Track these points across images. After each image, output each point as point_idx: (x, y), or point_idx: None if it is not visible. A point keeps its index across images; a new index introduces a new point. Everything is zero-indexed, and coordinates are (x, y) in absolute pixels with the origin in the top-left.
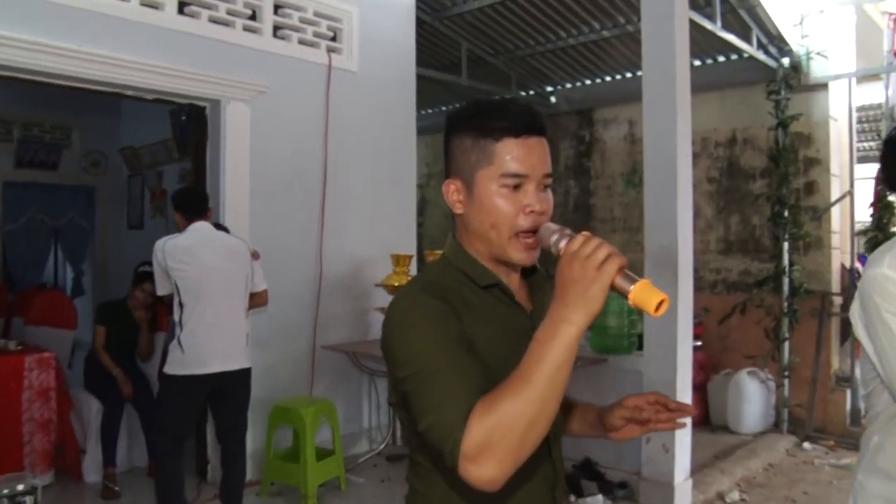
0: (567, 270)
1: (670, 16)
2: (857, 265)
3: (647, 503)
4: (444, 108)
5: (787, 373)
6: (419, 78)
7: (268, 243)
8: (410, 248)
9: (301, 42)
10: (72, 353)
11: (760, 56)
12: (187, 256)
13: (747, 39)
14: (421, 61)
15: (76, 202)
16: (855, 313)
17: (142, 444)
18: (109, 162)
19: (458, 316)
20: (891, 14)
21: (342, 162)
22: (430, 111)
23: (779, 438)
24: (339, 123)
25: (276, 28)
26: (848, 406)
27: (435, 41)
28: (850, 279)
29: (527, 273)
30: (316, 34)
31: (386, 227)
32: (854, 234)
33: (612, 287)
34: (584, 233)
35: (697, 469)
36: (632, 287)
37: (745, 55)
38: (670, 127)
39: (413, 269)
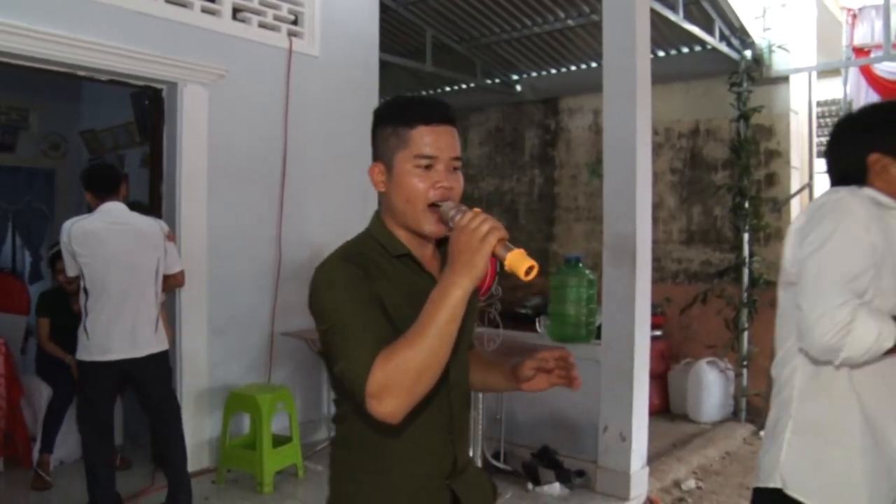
0: (455, 241)
1: (631, 5)
2: None
3: (604, 491)
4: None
5: (745, 363)
6: (383, 64)
7: (226, 229)
8: None
9: (261, 25)
10: (25, 338)
11: (723, 48)
12: (93, 242)
13: (710, 31)
14: (385, 47)
15: (34, 186)
16: (789, 258)
17: None
18: (69, 145)
19: (370, 280)
20: (849, 9)
21: (302, 148)
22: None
23: (736, 427)
24: (299, 109)
25: (236, 10)
26: None
27: (399, 27)
28: None
29: (441, 246)
30: (277, 17)
31: (346, 214)
32: None
33: (493, 255)
34: (475, 209)
35: (655, 457)
36: (507, 254)
37: (708, 47)
38: (630, 116)
39: None
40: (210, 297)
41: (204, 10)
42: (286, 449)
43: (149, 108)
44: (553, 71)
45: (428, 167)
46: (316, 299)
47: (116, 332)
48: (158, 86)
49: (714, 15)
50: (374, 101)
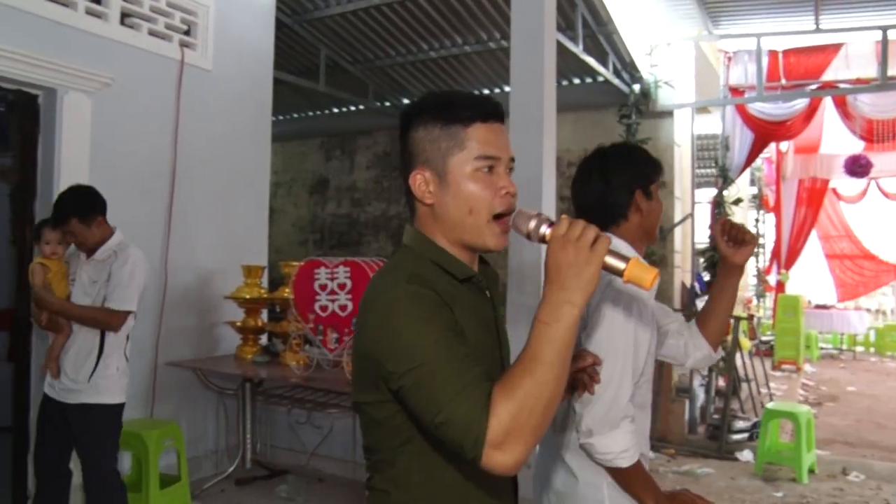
0: (561, 254)
1: (539, 34)
2: (695, 284)
3: None
4: (296, 115)
5: None
6: (275, 82)
7: None
8: (262, 258)
9: (152, 33)
10: None
11: (615, 81)
12: None
13: (604, 64)
14: (278, 65)
15: None
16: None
17: None
18: None
19: (449, 306)
20: (726, 52)
21: (192, 165)
22: (282, 117)
23: None
24: (190, 124)
25: (125, 15)
26: (686, 416)
27: (294, 45)
28: (690, 296)
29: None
30: (168, 26)
31: (237, 237)
32: (694, 254)
33: (604, 266)
34: (565, 216)
35: None
36: (625, 265)
37: (601, 79)
38: (537, 144)
39: (265, 282)
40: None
41: (89, 13)
42: (174, 490)
43: (12, 115)
44: None
45: (490, 169)
46: (386, 333)
47: None
48: (33, 91)
49: (608, 49)
50: (267, 119)
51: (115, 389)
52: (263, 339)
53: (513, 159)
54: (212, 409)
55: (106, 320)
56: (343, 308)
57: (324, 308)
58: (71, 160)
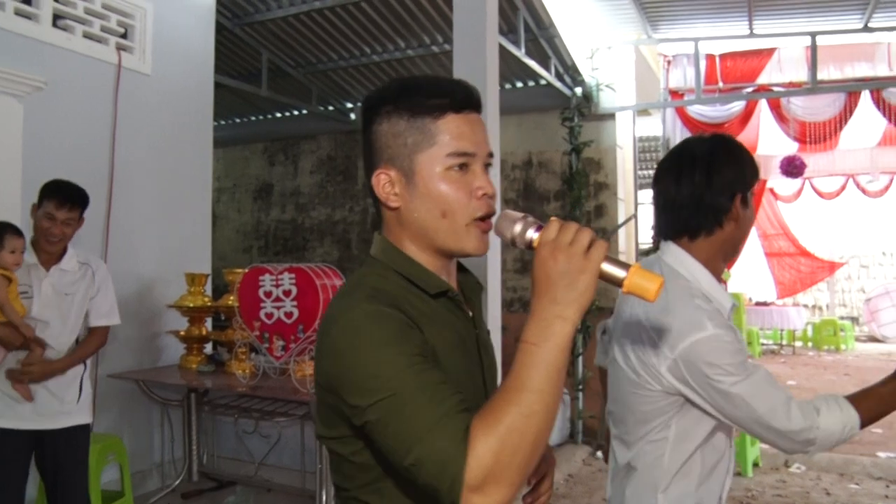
0: (551, 262)
1: (482, 38)
2: None
3: None
4: (238, 120)
5: (580, 386)
6: (216, 86)
7: None
8: (205, 266)
9: (87, 36)
10: None
11: (557, 84)
12: None
13: (546, 67)
14: (219, 69)
15: None
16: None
17: None
18: None
19: (418, 326)
20: (665, 56)
21: (132, 171)
22: (224, 122)
23: (575, 449)
24: (128, 130)
25: (57, 17)
26: None
27: (234, 48)
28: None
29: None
30: (104, 29)
31: (179, 244)
32: (638, 255)
33: (601, 275)
34: (554, 217)
35: None
36: (625, 273)
37: (543, 82)
38: None
39: (208, 290)
40: None
41: (18, 13)
42: None
43: None
44: None
45: (463, 167)
46: (345, 362)
47: None
48: None
49: (550, 52)
50: (208, 124)
51: (90, 407)
52: (208, 348)
53: (491, 154)
54: (156, 420)
55: (103, 342)
56: (289, 315)
57: (269, 315)
58: (2, 166)
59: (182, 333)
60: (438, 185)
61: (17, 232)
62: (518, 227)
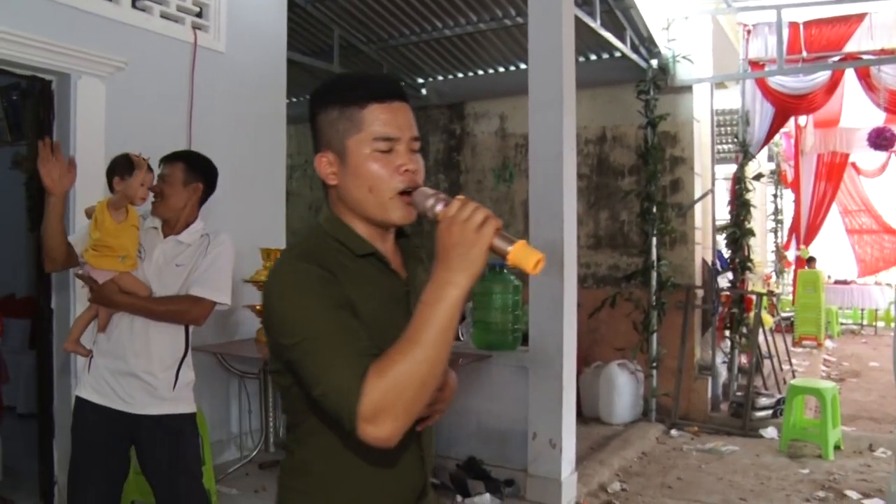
0: (447, 234)
1: (557, 10)
2: (716, 261)
3: (534, 499)
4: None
5: (655, 364)
6: (289, 63)
7: None
8: (280, 241)
9: (164, 16)
10: None
11: (632, 56)
12: None
13: (621, 39)
14: (291, 46)
15: None
16: None
17: None
18: None
19: (339, 282)
20: (745, 25)
21: (208, 149)
22: (296, 99)
23: (648, 427)
24: (204, 107)
25: None
26: (709, 393)
27: (306, 25)
28: (711, 274)
29: (397, 238)
30: (180, 8)
31: (254, 220)
32: (714, 231)
33: (491, 248)
34: (460, 196)
35: (578, 462)
36: (510, 248)
37: (618, 54)
38: (556, 123)
39: None
40: None
41: None
42: None
43: (26, 102)
44: (459, 75)
45: (388, 150)
46: (275, 308)
47: None
48: (47, 76)
49: (625, 23)
50: (282, 102)
51: (190, 398)
52: None
53: (416, 139)
54: (234, 393)
55: (188, 311)
56: None
57: None
58: (86, 146)
59: (258, 307)
60: (366, 164)
61: (150, 168)
62: (430, 202)
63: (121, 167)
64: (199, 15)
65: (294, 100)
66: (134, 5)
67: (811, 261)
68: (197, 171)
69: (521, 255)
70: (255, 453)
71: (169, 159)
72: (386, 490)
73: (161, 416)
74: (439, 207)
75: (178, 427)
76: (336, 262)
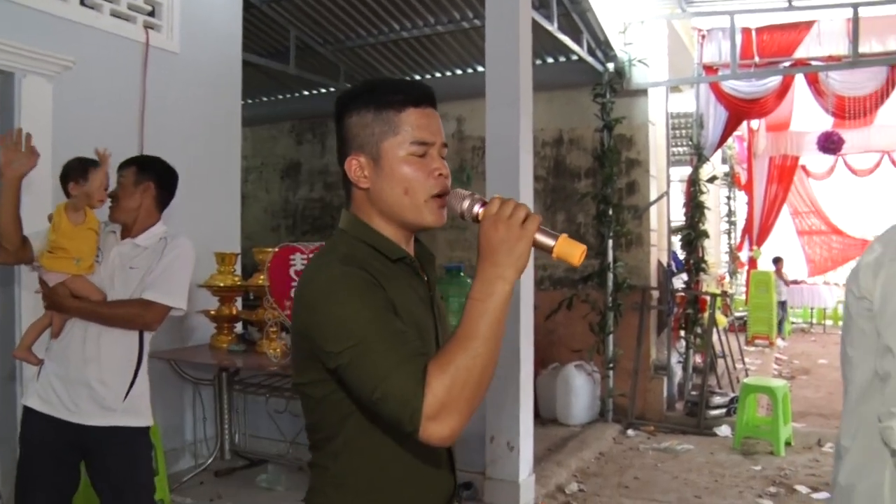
0: (493, 231)
1: (515, 12)
2: (671, 262)
3: (493, 501)
4: (266, 99)
5: (611, 364)
6: (244, 64)
7: None
8: (235, 245)
9: (114, 14)
10: None
11: (589, 59)
12: None
13: (578, 42)
14: (246, 47)
15: None
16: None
17: None
18: None
19: (381, 285)
20: (699, 30)
21: (160, 151)
22: (252, 101)
23: (605, 428)
24: (157, 109)
25: None
26: (664, 393)
27: (262, 26)
28: (666, 275)
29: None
30: (131, 7)
31: (208, 223)
32: (670, 232)
33: (534, 243)
34: (496, 195)
35: (535, 463)
36: (554, 242)
37: (575, 58)
38: (514, 124)
39: (238, 269)
40: None
41: None
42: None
43: None
44: (417, 77)
45: (422, 154)
46: (319, 315)
47: None
48: None
49: (582, 27)
50: (237, 103)
51: (146, 409)
52: (238, 328)
53: (445, 145)
54: (188, 400)
55: (140, 316)
56: None
57: None
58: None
59: (212, 313)
60: (401, 168)
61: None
62: (466, 203)
63: (75, 171)
64: (152, 14)
65: (249, 101)
66: (82, 3)
67: (778, 261)
68: (148, 171)
69: (566, 248)
70: (210, 461)
71: (123, 165)
72: (422, 495)
73: (110, 427)
74: (477, 207)
75: (129, 440)
76: (373, 267)
